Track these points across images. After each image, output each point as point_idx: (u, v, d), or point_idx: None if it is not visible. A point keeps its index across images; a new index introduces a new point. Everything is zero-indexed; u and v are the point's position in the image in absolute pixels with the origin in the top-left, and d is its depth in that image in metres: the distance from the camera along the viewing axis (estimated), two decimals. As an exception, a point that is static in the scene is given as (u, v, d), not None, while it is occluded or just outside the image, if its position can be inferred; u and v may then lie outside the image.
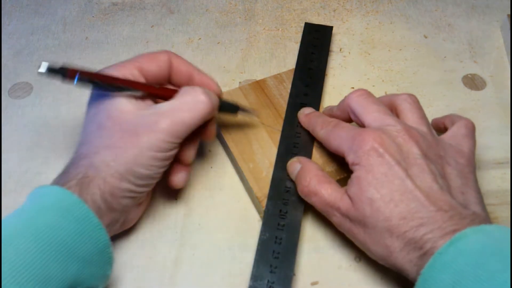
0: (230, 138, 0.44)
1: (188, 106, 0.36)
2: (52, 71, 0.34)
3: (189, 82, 0.40)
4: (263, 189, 0.41)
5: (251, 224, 0.41)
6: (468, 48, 0.54)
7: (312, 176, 0.38)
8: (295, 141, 0.43)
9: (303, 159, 0.40)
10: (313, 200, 0.37)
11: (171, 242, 0.40)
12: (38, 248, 0.30)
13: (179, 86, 0.40)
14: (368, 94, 0.39)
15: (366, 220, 0.34)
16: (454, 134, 0.38)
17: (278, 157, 0.42)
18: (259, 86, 0.48)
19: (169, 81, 0.41)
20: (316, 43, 0.51)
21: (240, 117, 0.45)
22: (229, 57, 0.53)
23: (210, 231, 0.41)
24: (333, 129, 0.39)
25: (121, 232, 0.40)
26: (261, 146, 0.43)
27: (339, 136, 0.38)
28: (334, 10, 0.58)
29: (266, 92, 0.47)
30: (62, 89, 0.51)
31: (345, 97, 0.40)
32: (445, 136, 0.38)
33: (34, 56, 0.54)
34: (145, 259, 0.39)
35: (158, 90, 0.38)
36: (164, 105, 0.36)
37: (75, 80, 0.35)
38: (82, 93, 0.50)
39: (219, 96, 0.41)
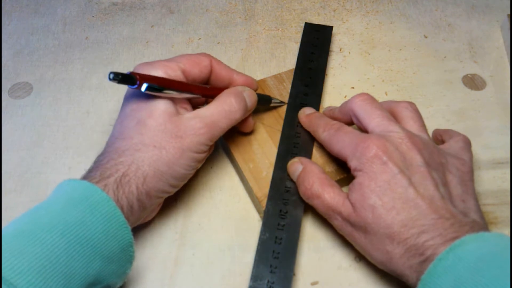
0: (230, 138, 0.44)
1: (225, 114, 0.38)
2: (121, 79, 0.34)
3: (229, 84, 0.42)
4: (263, 189, 0.41)
5: (251, 224, 0.41)
6: (468, 48, 0.54)
7: (315, 178, 0.38)
8: (295, 141, 0.43)
9: (304, 160, 0.40)
10: (315, 203, 0.37)
11: (171, 242, 0.40)
12: (65, 244, 0.30)
13: (218, 87, 0.42)
14: (372, 99, 0.39)
15: (367, 226, 0.34)
16: (451, 146, 0.39)
17: (278, 157, 0.42)
18: (259, 86, 0.48)
19: (207, 83, 0.42)
20: (316, 43, 0.51)
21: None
22: (229, 57, 0.53)
23: (210, 231, 0.41)
24: (336, 133, 0.39)
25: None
26: (261, 146, 0.43)
27: (342, 141, 0.38)
28: (334, 10, 0.58)
29: (266, 92, 0.47)
30: (62, 89, 0.51)
31: (348, 100, 0.40)
32: (444, 147, 0.39)
33: (34, 56, 0.54)
34: (145, 259, 0.39)
35: (212, 91, 0.40)
36: (204, 111, 0.38)
37: (145, 88, 0.35)
38: (82, 93, 0.50)
39: (257, 91, 0.43)
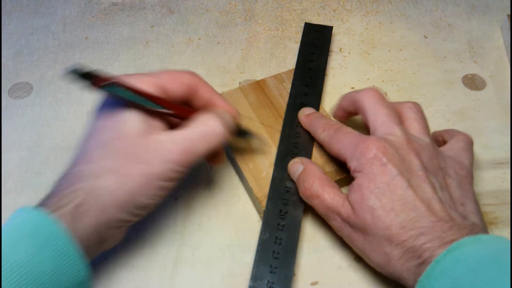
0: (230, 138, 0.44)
1: (205, 138, 0.35)
2: (80, 75, 0.31)
3: (209, 107, 0.38)
4: (263, 189, 0.41)
5: (251, 224, 0.41)
6: (468, 48, 0.54)
7: (315, 178, 0.38)
8: (295, 141, 0.43)
9: (305, 160, 0.40)
10: (314, 203, 0.37)
11: (171, 242, 0.40)
12: (12, 285, 0.27)
13: (197, 109, 0.38)
14: (382, 96, 0.39)
15: (366, 227, 0.34)
16: (452, 147, 0.39)
17: (278, 158, 0.42)
18: (259, 86, 0.48)
19: (187, 103, 0.38)
20: (316, 43, 0.51)
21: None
22: (229, 57, 0.53)
23: (210, 231, 0.41)
24: (335, 133, 0.39)
25: (121, 232, 0.40)
26: (261, 146, 0.43)
27: (341, 141, 0.38)
28: (334, 10, 0.58)
29: (266, 92, 0.47)
30: (62, 89, 0.51)
31: (358, 91, 0.40)
32: (444, 148, 0.39)
33: (34, 56, 0.54)
34: (145, 259, 0.39)
35: (191, 112, 0.36)
36: (179, 133, 0.34)
37: (104, 87, 0.32)
38: (82, 93, 0.50)
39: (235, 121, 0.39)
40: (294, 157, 0.41)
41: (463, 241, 0.31)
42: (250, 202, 0.42)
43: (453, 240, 0.31)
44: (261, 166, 0.42)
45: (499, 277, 0.28)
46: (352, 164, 0.36)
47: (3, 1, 0.59)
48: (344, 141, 0.38)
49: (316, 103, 0.46)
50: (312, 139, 0.43)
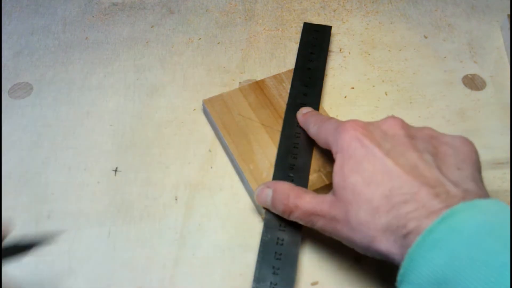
0: (230, 139, 0.44)
1: None
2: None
3: None
4: None
5: (251, 224, 0.41)
6: (468, 48, 0.54)
7: (288, 192, 0.37)
8: (295, 141, 0.43)
9: (270, 183, 0.40)
10: (296, 216, 0.37)
11: (171, 242, 0.40)
12: None
13: None
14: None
15: (349, 209, 0.33)
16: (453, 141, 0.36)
17: (278, 158, 0.42)
18: (258, 86, 0.48)
19: None
20: (315, 43, 0.51)
21: (239, 118, 0.44)
22: (229, 57, 0.53)
23: (210, 231, 0.41)
24: (322, 124, 0.39)
25: (120, 233, 0.40)
26: (261, 147, 0.43)
27: (325, 129, 0.38)
28: (334, 10, 0.58)
29: (265, 92, 0.47)
30: (62, 89, 0.51)
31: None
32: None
33: (34, 56, 0.54)
34: (145, 259, 0.39)
35: None
36: None
37: None
38: (82, 93, 0.50)
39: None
40: (294, 157, 0.41)
41: (458, 208, 0.29)
42: (250, 202, 0.42)
43: (441, 208, 0.29)
44: (262, 167, 0.42)
45: (501, 250, 0.26)
46: (333, 148, 0.36)
47: (3, 1, 0.59)
48: (327, 128, 0.38)
49: (315, 103, 0.46)
50: (312, 139, 0.43)
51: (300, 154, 0.42)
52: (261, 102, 0.47)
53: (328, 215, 0.35)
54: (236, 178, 0.44)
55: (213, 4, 0.59)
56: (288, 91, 0.47)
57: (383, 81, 0.51)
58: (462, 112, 0.48)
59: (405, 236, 0.30)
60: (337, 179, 0.34)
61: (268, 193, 0.39)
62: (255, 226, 0.41)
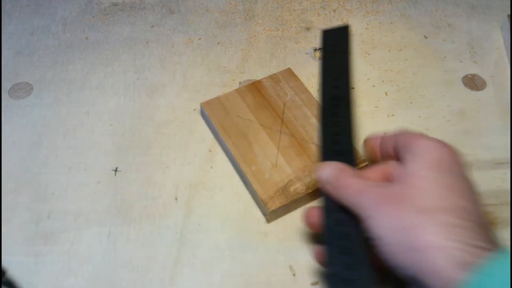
0: (230, 141, 0.44)
1: None
2: None
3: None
4: (267, 191, 0.41)
5: (251, 224, 0.41)
6: (468, 48, 0.54)
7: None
8: (336, 130, 0.40)
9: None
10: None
11: (171, 242, 0.40)
12: None
13: None
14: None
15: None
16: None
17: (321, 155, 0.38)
18: (255, 87, 0.48)
19: None
20: (336, 43, 0.46)
21: (238, 119, 0.43)
22: (229, 57, 0.53)
23: (210, 231, 0.41)
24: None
25: (120, 233, 0.40)
26: (262, 148, 0.43)
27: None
28: (334, 10, 0.58)
29: (262, 93, 0.47)
30: (62, 89, 0.51)
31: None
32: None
33: (34, 56, 0.54)
34: (145, 259, 0.39)
35: None
36: None
37: None
38: (82, 93, 0.50)
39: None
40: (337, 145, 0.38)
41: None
42: (250, 202, 0.42)
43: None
44: (263, 168, 0.42)
45: None
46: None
47: (3, 1, 0.59)
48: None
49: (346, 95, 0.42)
50: (354, 123, 0.39)
51: (343, 141, 0.39)
52: (259, 103, 0.46)
53: None
54: (236, 178, 0.44)
55: (213, 4, 0.59)
56: (286, 90, 0.47)
57: (383, 81, 0.51)
58: (462, 112, 0.48)
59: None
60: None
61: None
62: (255, 226, 0.41)
